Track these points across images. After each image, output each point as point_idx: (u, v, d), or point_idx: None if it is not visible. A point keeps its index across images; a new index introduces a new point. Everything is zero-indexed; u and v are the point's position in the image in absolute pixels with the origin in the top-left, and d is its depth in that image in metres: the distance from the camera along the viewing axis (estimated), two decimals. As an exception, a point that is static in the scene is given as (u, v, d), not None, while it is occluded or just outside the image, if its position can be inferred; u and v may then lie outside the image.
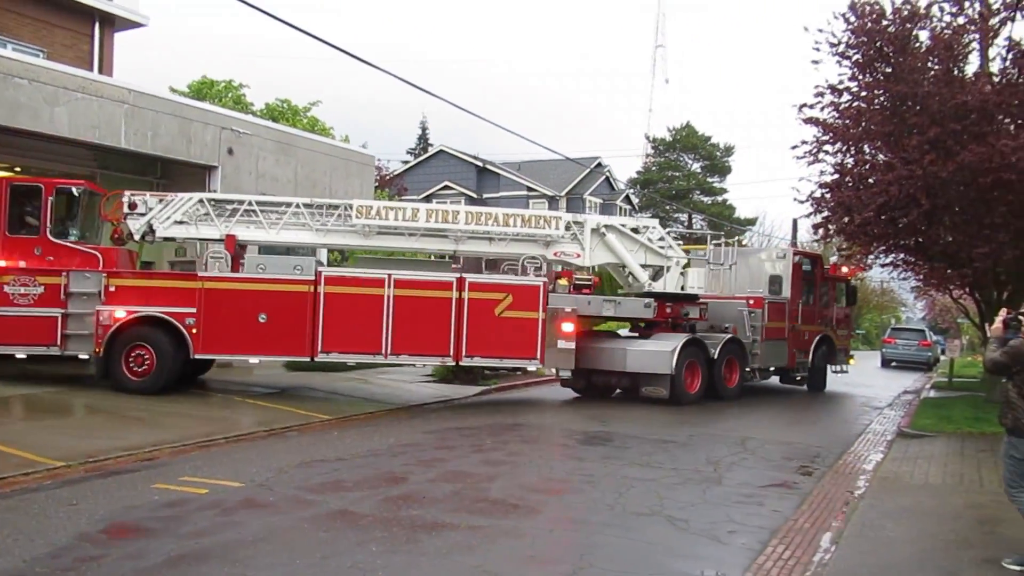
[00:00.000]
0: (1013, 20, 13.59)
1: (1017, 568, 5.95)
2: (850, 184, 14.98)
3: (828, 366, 19.97)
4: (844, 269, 19.85)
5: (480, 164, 48.85)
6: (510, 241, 14.55)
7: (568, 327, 14.15)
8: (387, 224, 13.96)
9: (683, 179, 61.53)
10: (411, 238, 14.24)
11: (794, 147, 15.99)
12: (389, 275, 13.41)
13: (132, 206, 13.34)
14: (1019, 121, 12.91)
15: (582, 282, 15.17)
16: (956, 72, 13.55)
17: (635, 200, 56.82)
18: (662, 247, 15.59)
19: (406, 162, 55.22)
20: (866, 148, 15.04)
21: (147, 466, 8.89)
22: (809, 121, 15.53)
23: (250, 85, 34.92)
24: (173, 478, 8.30)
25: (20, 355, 12.46)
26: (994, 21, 13.86)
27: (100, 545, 6.13)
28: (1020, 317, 6.08)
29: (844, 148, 15.39)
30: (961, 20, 13.85)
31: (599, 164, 49.42)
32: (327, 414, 12.58)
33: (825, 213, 15.89)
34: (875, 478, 9.74)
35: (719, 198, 63.04)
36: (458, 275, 13.86)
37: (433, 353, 13.86)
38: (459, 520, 7.19)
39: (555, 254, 14.73)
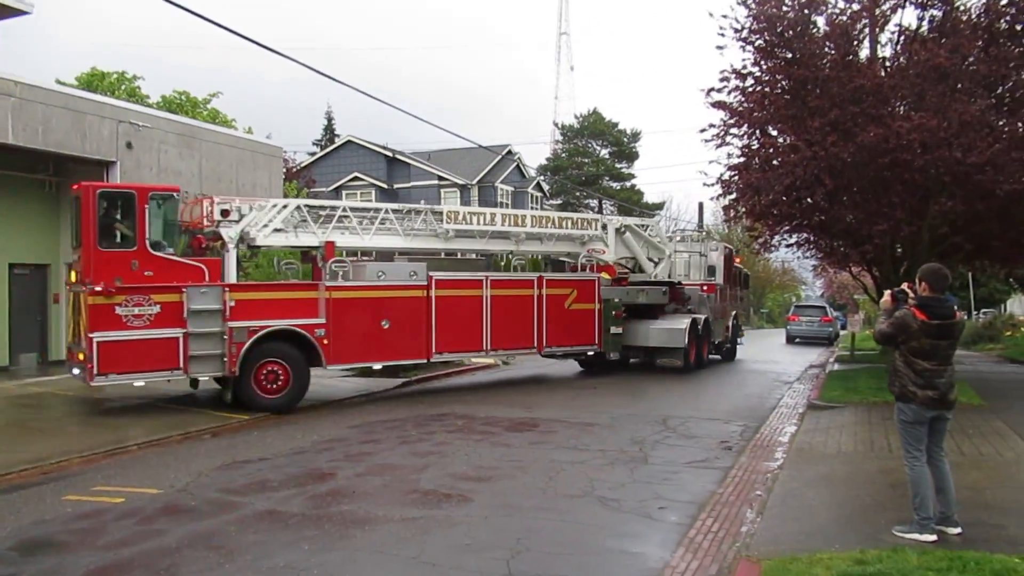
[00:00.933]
0: (903, 7, 14.25)
1: (903, 534, 6.30)
2: (757, 166, 15.46)
3: (738, 339, 24.24)
4: (738, 259, 23.61)
5: (390, 154, 48.25)
6: (556, 240, 16.47)
7: (618, 314, 16.90)
8: (468, 228, 14.90)
9: (592, 165, 62.37)
10: (480, 240, 15.26)
11: (702, 130, 16.40)
12: (486, 276, 14.79)
13: (225, 213, 12.52)
14: (908, 104, 13.56)
15: (621, 275, 17.71)
16: (852, 57, 14.13)
17: (546, 187, 57.23)
18: (660, 242, 18.57)
19: (312, 154, 54.03)
20: (771, 131, 15.53)
21: (55, 478, 8.50)
22: (716, 105, 15.93)
23: (144, 77, 33.43)
24: (85, 488, 7.95)
25: (139, 383, 11.30)
26: (885, 8, 14.49)
27: (10, 564, 5.83)
28: (907, 290, 6.45)
29: (750, 131, 15.87)
30: (855, 7, 14.43)
31: (509, 152, 49.55)
32: (244, 414, 12.23)
33: (734, 195, 16.33)
34: (792, 449, 10.12)
35: (628, 183, 64.21)
36: (537, 274, 16.05)
37: (522, 346, 15.35)
38: (392, 513, 7.12)
39: (588, 251, 17.03)
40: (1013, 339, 25.18)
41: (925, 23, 14.13)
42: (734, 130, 16.15)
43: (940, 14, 13.67)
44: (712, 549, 6.40)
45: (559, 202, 65.51)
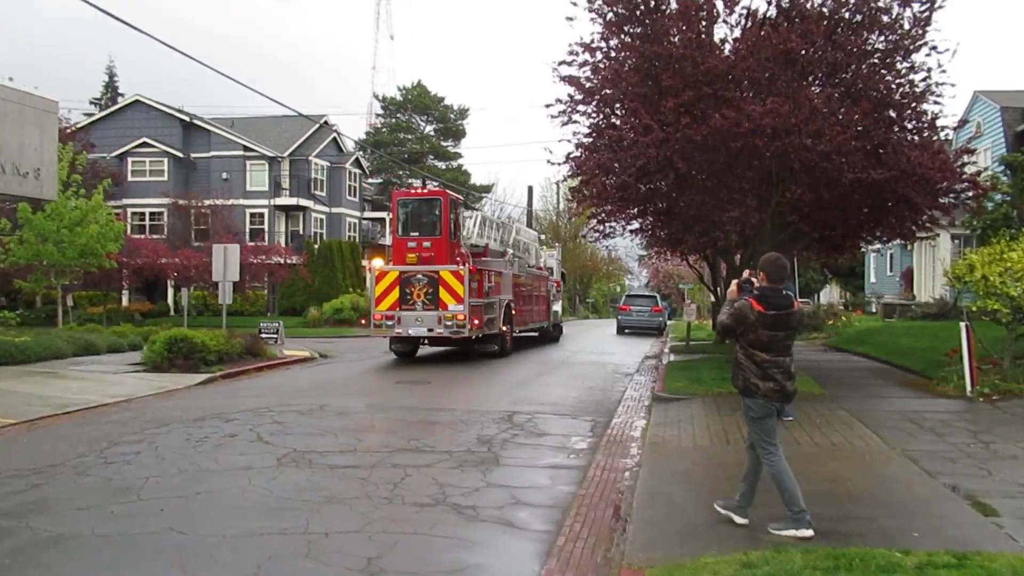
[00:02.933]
0: (751, -13, 14.87)
1: (779, 531, 6.45)
2: (606, 145, 15.63)
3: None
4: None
5: (186, 119, 45.17)
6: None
7: None
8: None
9: (416, 142, 61.79)
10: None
11: (548, 105, 16.40)
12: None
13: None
14: (760, 88, 14.18)
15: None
16: (704, 36, 14.58)
17: (366, 163, 56.00)
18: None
19: (90, 114, 49.57)
20: (620, 110, 15.76)
21: None
22: (565, 80, 15.97)
23: None
24: None
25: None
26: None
27: None
28: (753, 280, 6.66)
29: (599, 109, 16.02)
30: (706, -15, 14.85)
31: (326, 122, 47.95)
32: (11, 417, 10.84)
33: (581, 176, 16.44)
34: (646, 445, 10.21)
35: (454, 163, 64.27)
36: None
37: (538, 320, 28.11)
38: (232, 528, 6.44)
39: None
40: (835, 328, 27.35)
41: (773, 7, 14.78)
42: (582, 107, 16.21)
43: (788, 1, 14.35)
44: (586, 559, 6.20)
45: (379, 180, 64.42)
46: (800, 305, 6.65)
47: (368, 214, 55.87)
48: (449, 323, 20.31)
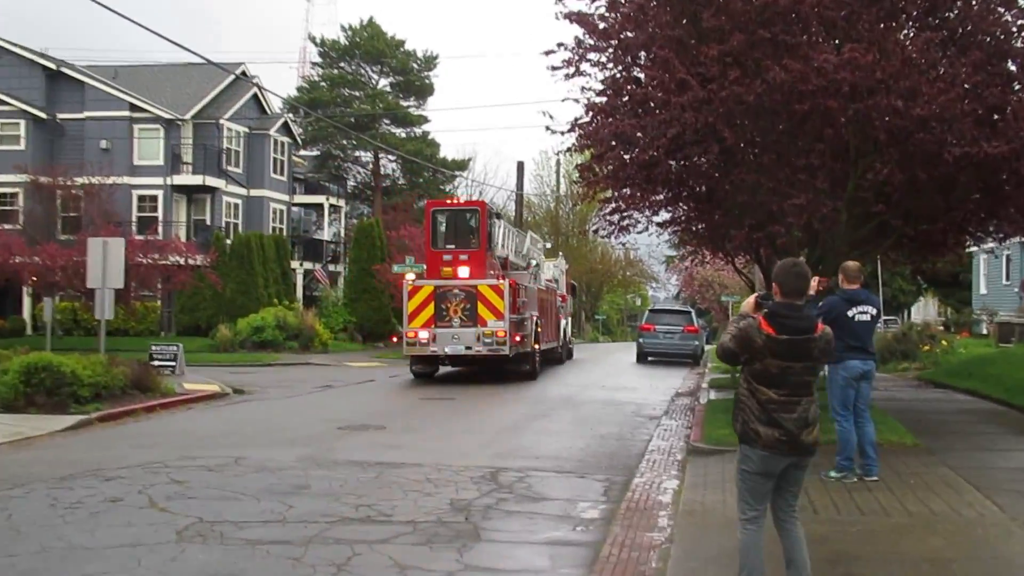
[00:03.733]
0: None
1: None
2: (626, 108, 15.64)
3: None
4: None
5: (52, 66, 45.00)
6: None
7: None
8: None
9: (367, 100, 61.72)
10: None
11: (548, 52, 16.39)
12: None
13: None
14: (836, 33, 14.22)
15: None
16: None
17: (297, 130, 55.98)
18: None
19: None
20: (644, 58, 15.79)
21: None
22: (571, 17, 15.97)
23: None
24: None
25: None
26: None
27: None
28: (773, 295, 6.81)
29: (617, 57, 16.05)
30: None
31: (244, 74, 47.94)
32: None
33: (593, 149, 16.47)
34: (679, 514, 10.21)
35: (417, 130, 64.32)
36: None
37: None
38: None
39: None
40: (931, 355, 27.45)
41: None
42: (593, 55, 16.26)
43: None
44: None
45: (316, 153, 64.44)
46: (825, 329, 6.74)
47: (300, 198, 55.94)
48: (488, 340, 25.14)
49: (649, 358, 37.07)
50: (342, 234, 57.51)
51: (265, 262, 43.18)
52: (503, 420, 18.16)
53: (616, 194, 18.00)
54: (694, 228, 20.39)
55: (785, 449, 6.58)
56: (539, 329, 28.95)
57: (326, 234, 56.71)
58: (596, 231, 26.49)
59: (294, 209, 54.54)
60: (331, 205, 56.61)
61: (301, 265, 50.91)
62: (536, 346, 28.19)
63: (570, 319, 41.34)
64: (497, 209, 31.10)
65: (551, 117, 22.50)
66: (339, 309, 45.61)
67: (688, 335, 37.78)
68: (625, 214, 18.84)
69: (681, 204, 18.68)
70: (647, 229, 20.02)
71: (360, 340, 44.01)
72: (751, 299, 6.88)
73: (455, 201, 28.11)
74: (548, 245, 44.97)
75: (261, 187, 49.29)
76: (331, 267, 54.07)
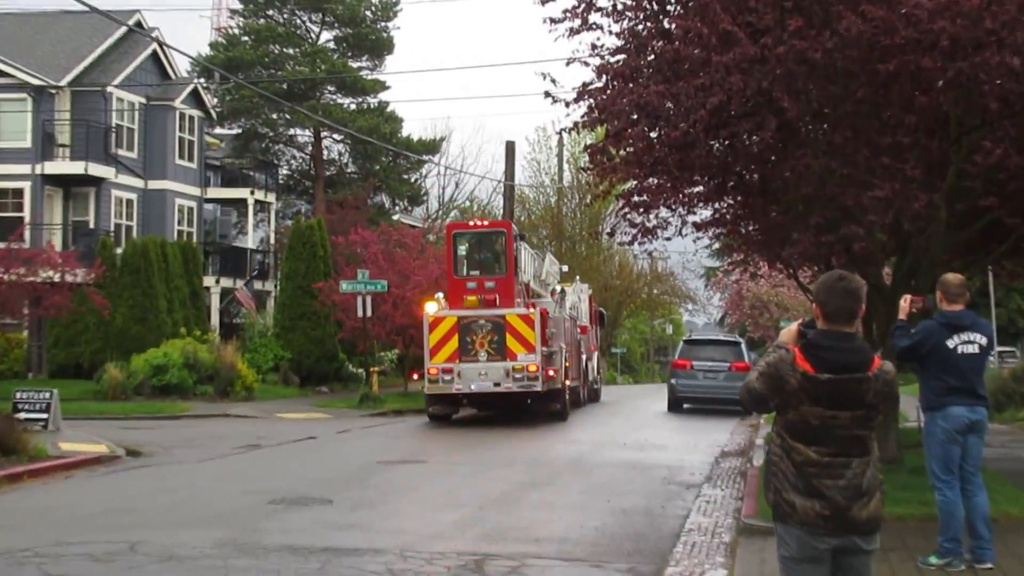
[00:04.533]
0: None
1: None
2: (652, 69, 15.69)
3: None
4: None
5: None
6: None
7: None
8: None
9: (305, 60, 61.65)
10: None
11: (546, 1, 16.45)
12: None
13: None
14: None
15: None
16: None
17: (211, 101, 55.98)
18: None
19: None
20: (675, 4, 15.87)
21: None
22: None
23: None
24: None
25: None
26: None
27: None
28: (813, 324, 6.80)
29: (640, 3, 16.12)
30: None
31: (139, 25, 47.99)
32: None
33: (607, 122, 16.53)
34: (729, 615, 10.24)
35: (372, 100, 64.30)
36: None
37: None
38: None
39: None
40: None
41: None
42: (606, 2, 16.37)
43: None
44: None
45: (237, 131, 64.34)
46: (883, 366, 6.65)
47: (216, 192, 55.75)
48: (519, 376, 29.12)
49: (685, 405, 37.15)
50: (272, 240, 57.46)
51: (169, 278, 43.01)
52: (490, 488, 18.10)
53: (639, 185, 18.02)
54: (743, 230, 20.45)
55: (829, 527, 6.48)
56: (567, 363, 32.94)
57: (251, 240, 56.65)
58: (612, 234, 26.49)
59: (208, 207, 54.51)
60: (257, 201, 56.20)
61: (217, 282, 50.91)
62: (566, 382, 32.26)
63: (596, 354, 45.73)
64: (519, 230, 35.18)
65: (553, 81, 21.09)
66: (268, 341, 45.58)
67: (736, 374, 37.71)
68: (651, 212, 18.87)
69: (726, 198, 18.74)
70: (680, 232, 20.05)
71: (296, 383, 44.07)
72: (793, 326, 6.89)
73: (479, 223, 34.25)
74: (565, 268, 46.82)
75: (163, 177, 49.22)
76: (258, 285, 54.00)
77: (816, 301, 6.71)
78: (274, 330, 46.67)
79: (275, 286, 52.85)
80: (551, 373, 29.83)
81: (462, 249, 31.55)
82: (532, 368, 28.97)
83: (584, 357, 39.59)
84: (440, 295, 31.38)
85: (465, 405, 31.78)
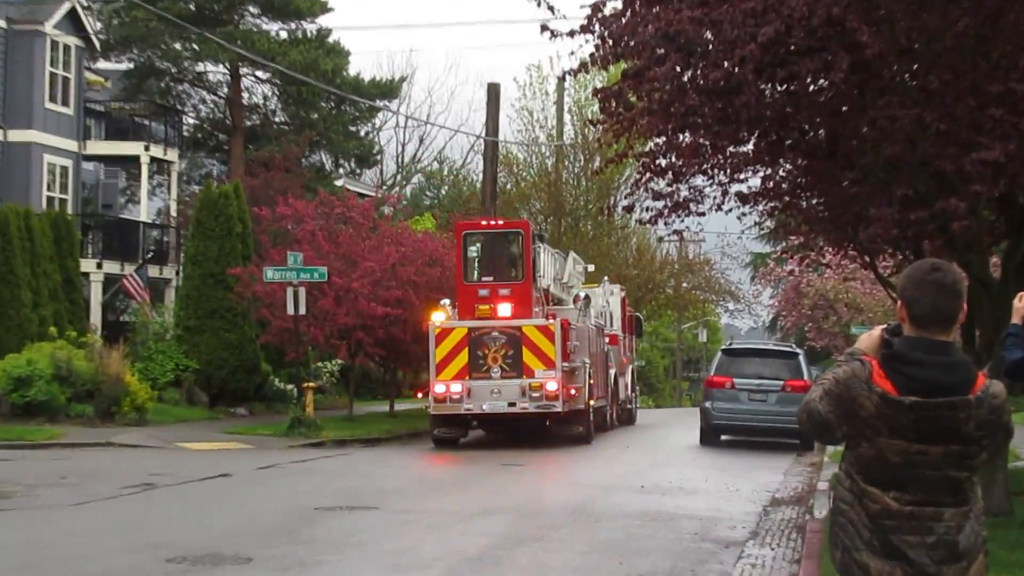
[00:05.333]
0: None
1: None
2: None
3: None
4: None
5: None
6: None
7: None
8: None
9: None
10: None
11: None
12: None
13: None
14: None
15: None
16: None
17: (95, 25, 55.89)
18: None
19: None
20: None
21: None
22: None
23: None
24: None
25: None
26: None
27: None
28: (902, 327, 6.67)
29: None
30: None
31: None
32: None
33: (620, 60, 16.57)
34: None
35: (309, 26, 64.35)
36: None
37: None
38: None
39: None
40: None
41: None
42: None
43: None
44: None
45: (128, 66, 64.29)
46: (990, 386, 6.45)
47: (100, 147, 55.61)
48: (536, 395, 32.44)
49: (723, 436, 37.26)
50: (174, 212, 57.45)
51: (34, 261, 42.93)
52: (464, 545, 18.11)
53: (666, 143, 18.08)
54: (804, 204, 20.52)
55: None
56: (592, 381, 36.37)
57: (144, 211, 56.64)
58: (629, 209, 26.41)
59: (87, 166, 54.47)
60: (154, 160, 56.14)
61: (99, 267, 51.01)
62: (590, 402, 35.97)
63: (631, 369, 50.72)
64: (539, 230, 39.78)
65: (551, 8, 20.23)
66: (168, 347, 45.60)
67: (791, 396, 37.67)
68: (682, 179, 18.93)
69: (782, 161, 18.83)
70: (720, 206, 20.13)
71: (205, 402, 44.19)
72: (875, 332, 6.75)
73: (492, 222, 37.24)
74: (591, 267, 49.10)
75: (27, 126, 49.38)
76: (153, 271, 53.88)
77: (901, 299, 6.48)
78: (175, 331, 46.75)
79: (177, 273, 52.82)
80: (573, 392, 32.76)
81: (473, 251, 34.65)
82: (552, 386, 31.82)
83: (613, 372, 42.74)
84: (447, 303, 34.12)
85: (475, 427, 34.97)
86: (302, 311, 37.42)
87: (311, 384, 40.41)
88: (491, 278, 33.96)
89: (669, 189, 19.00)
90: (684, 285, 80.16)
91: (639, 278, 74.18)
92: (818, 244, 23.21)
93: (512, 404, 31.97)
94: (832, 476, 25.51)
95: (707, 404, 38.43)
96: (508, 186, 66.01)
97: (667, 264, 76.76)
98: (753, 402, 37.46)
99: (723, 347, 47.10)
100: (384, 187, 64.84)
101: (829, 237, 21.71)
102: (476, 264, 34.72)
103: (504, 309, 32.63)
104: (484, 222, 39.34)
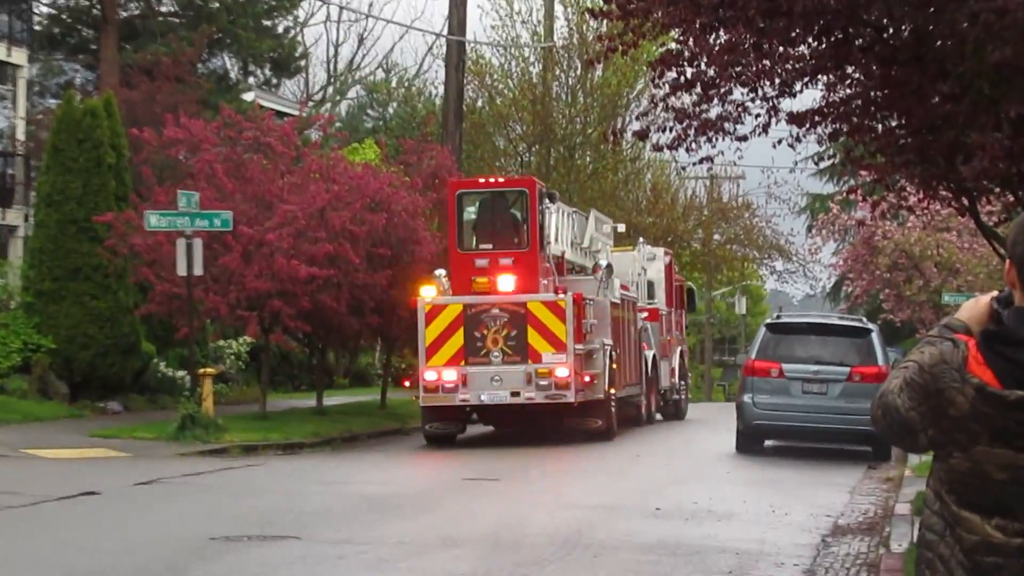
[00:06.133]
0: None
1: None
2: None
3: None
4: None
5: None
6: None
7: None
8: None
9: None
10: None
11: None
12: None
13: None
14: None
15: None
16: None
17: None
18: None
19: None
20: None
21: None
22: None
23: None
24: None
25: None
26: None
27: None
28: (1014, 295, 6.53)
29: None
30: None
31: None
32: None
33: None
34: None
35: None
36: None
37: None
38: None
39: None
40: None
41: None
42: None
43: None
44: None
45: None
46: None
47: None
48: (544, 383, 34.50)
49: (768, 442, 37.30)
50: (21, 134, 57.39)
51: None
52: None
53: (693, 43, 18.15)
54: (879, 126, 20.59)
55: None
56: (614, 365, 37.74)
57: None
58: (643, 136, 26.35)
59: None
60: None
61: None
62: (611, 390, 37.21)
63: (680, 350, 53.56)
64: (547, 187, 40.60)
65: None
66: (13, 319, 45.60)
67: (861, 386, 37.82)
68: (713, 92, 19.00)
69: (849, 69, 18.86)
70: (766, 129, 20.18)
71: (65, 395, 44.12)
72: (983, 299, 6.47)
73: (492, 180, 40.12)
74: (621, 227, 51.74)
75: None
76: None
77: (1010, 258, 6.20)
78: (23, 298, 46.76)
79: (26, 218, 52.84)
80: (588, 379, 34.40)
81: (470, 214, 36.55)
82: (562, 372, 33.50)
83: (651, 355, 45.16)
84: (442, 273, 35.77)
85: (474, 421, 36.81)
86: (198, 271, 37.33)
87: (210, 370, 40.35)
88: (490, 246, 35.42)
89: (695, 105, 19.02)
90: (716, 237, 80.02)
91: (655, 228, 73.63)
92: (898, 182, 23.27)
93: (516, 394, 33.49)
94: (916, 496, 25.64)
95: (746, 398, 38.19)
96: (479, 103, 65.99)
97: (693, 209, 76.60)
98: (808, 395, 37.44)
99: (768, 321, 46.96)
100: (311, 104, 64.78)
101: (913, 173, 21.79)
102: (473, 229, 36.36)
103: (506, 282, 34.10)
104: (482, 179, 41.71)
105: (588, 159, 68.52)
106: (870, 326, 43.27)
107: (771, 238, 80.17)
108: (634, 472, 31.72)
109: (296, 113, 55.38)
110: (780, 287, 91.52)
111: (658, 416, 45.81)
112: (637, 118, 39.07)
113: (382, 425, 44.68)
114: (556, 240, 36.73)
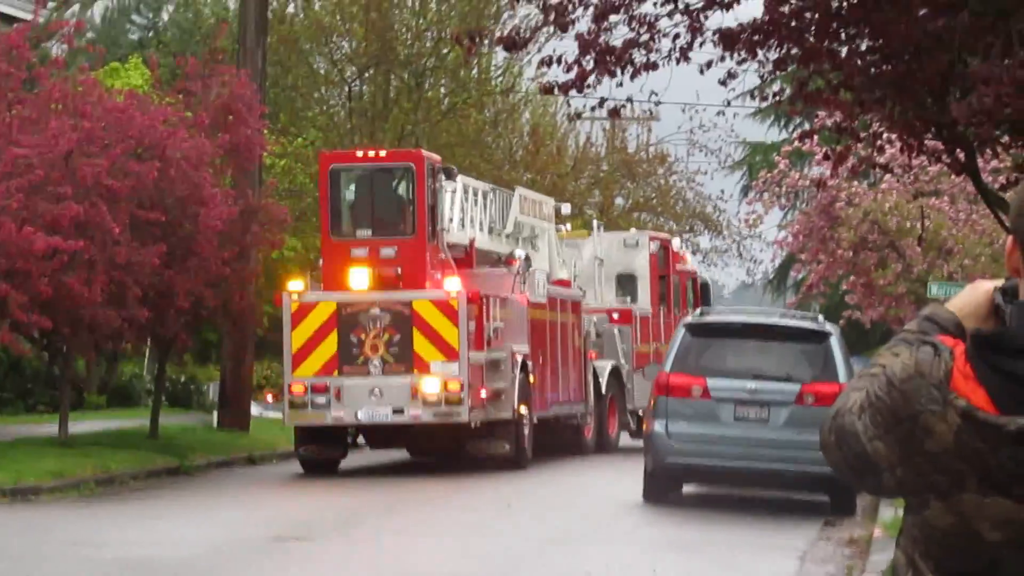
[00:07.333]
0: None
1: None
2: None
3: None
4: (688, 258, 48.06)
5: None
6: None
7: None
8: None
9: None
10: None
11: None
12: None
13: None
14: None
15: None
16: None
17: None
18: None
19: None
20: None
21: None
22: None
23: None
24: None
25: None
26: None
27: None
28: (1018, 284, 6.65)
29: None
30: None
31: None
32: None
33: None
34: None
35: None
36: None
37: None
38: None
39: None
40: None
41: None
42: None
43: None
44: None
45: None
46: None
47: None
48: (432, 398, 36.41)
49: (686, 485, 37.50)
50: None
51: None
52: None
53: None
54: (842, 49, 20.93)
55: None
56: (532, 378, 39.78)
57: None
58: (513, 46, 26.43)
59: None
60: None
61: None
62: (523, 409, 38.89)
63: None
64: (442, 162, 42.52)
65: None
66: None
67: (812, 410, 38.11)
68: (616, 7, 19.32)
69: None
70: (683, 56, 20.51)
71: None
72: (982, 287, 6.40)
73: (372, 154, 40.57)
74: (566, 208, 54.90)
75: None
76: None
77: (1013, 233, 6.15)
78: None
79: None
80: (486, 394, 36.41)
81: (346, 195, 38.86)
82: (453, 386, 35.70)
83: (608, 366, 48.38)
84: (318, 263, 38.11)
85: (360, 445, 40.07)
86: None
87: None
88: (369, 232, 37.55)
89: (591, 23, 19.33)
90: (618, 201, 79.90)
91: (536, 185, 72.15)
92: (869, 127, 23.57)
93: (399, 411, 35.66)
94: (888, 566, 25.88)
95: (657, 427, 38.25)
96: (291, 8, 65.67)
97: (587, 162, 76.37)
98: (743, 424, 37.47)
99: (688, 320, 46.86)
100: (51, 5, 64.93)
101: (890, 113, 22.03)
102: (349, 213, 38.48)
103: (388, 276, 36.36)
104: (360, 153, 42.71)
105: (443, 90, 67.39)
106: (828, 328, 43.27)
107: (693, 203, 79.85)
108: (509, 524, 31.86)
109: (29, 18, 54.82)
110: (706, 272, 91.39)
111: (610, 443, 48.97)
112: (510, 32, 37.70)
113: (153, 462, 44.13)
114: (462, 225, 39.07)
